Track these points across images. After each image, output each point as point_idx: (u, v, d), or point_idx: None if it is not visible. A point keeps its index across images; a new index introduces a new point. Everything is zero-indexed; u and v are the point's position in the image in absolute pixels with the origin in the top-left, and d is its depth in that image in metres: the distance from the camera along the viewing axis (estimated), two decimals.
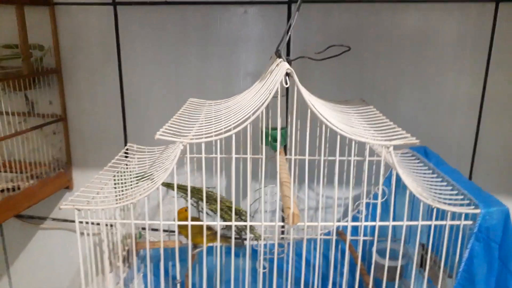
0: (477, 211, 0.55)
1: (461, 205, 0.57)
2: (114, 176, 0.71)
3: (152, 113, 1.03)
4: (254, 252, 0.87)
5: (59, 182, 1.07)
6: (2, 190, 0.93)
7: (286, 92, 0.70)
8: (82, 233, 1.19)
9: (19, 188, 0.95)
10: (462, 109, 0.91)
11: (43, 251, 1.20)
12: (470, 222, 0.56)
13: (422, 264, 0.71)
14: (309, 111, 0.55)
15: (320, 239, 0.66)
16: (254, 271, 0.83)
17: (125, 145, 1.05)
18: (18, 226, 1.19)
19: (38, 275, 1.23)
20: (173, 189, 0.81)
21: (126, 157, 0.80)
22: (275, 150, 0.80)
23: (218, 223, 0.61)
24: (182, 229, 0.72)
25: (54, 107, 1.05)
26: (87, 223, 0.59)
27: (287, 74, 0.58)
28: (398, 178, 0.56)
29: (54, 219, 1.16)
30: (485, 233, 0.56)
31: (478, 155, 0.93)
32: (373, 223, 0.59)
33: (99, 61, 1.02)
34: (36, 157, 1.03)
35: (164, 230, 0.85)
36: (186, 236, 0.72)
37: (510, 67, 0.87)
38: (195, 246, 0.80)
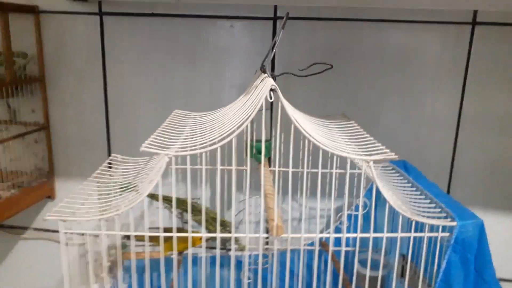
0: (454, 223, 0.58)
1: (439, 217, 0.59)
2: (98, 186, 0.71)
3: (137, 123, 1.03)
4: (239, 263, 0.88)
5: (41, 191, 1.06)
6: None
7: (271, 106, 0.72)
8: (65, 243, 1.18)
9: (0, 197, 0.94)
10: (441, 125, 0.95)
11: (24, 261, 1.18)
12: (447, 234, 0.59)
13: (402, 274, 0.73)
14: (292, 125, 0.57)
15: (304, 250, 0.67)
16: (238, 282, 0.84)
17: (109, 155, 1.04)
18: None
19: (19, 286, 1.21)
20: (157, 200, 0.82)
21: (110, 167, 0.81)
22: (259, 162, 0.81)
23: (203, 235, 0.62)
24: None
25: (37, 116, 1.05)
26: (71, 234, 0.59)
27: (272, 90, 0.59)
28: (379, 191, 0.58)
29: (35, 229, 1.14)
30: (461, 245, 0.58)
31: (455, 170, 0.97)
32: (354, 235, 0.61)
33: (83, 70, 1.02)
34: (17, 166, 1.02)
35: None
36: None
37: (485, 87, 0.91)
38: (180, 254, 0.81)
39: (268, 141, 0.86)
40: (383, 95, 0.95)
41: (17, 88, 0.99)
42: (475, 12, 0.88)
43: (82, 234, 0.61)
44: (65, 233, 0.58)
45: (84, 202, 0.64)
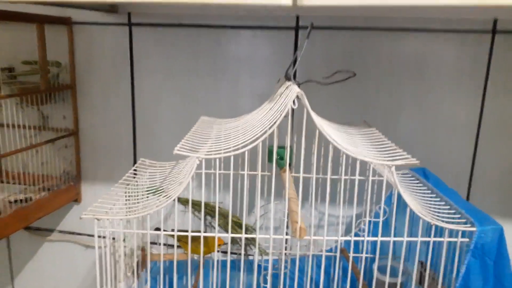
0: (473, 229, 0.59)
1: (458, 223, 0.61)
2: (126, 190, 0.74)
3: (162, 130, 1.07)
4: (258, 268, 0.90)
5: (69, 195, 1.10)
6: (16, 201, 0.96)
7: (292, 113, 0.75)
8: (88, 246, 1.21)
9: (31, 200, 0.98)
10: (460, 133, 0.96)
11: (48, 263, 1.22)
12: (466, 240, 0.60)
13: (421, 281, 0.74)
14: (317, 131, 0.59)
15: (323, 255, 0.69)
16: (258, 286, 0.86)
17: (135, 161, 1.08)
18: (25, 237, 1.21)
19: (43, 286, 1.25)
20: (183, 203, 0.85)
21: (138, 171, 0.84)
22: (281, 167, 0.83)
23: (229, 235, 0.65)
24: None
25: (67, 122, 1.09)
26: (104, 237, 0.62)
27: (297, 97, 0.62)
28: (398, 198, 0.60)
29: (61, 232, 1.18)
30: (480, 250, 0.59)
31: (475, 177, 0.97)
32: (375, 238, 0.63)
33: (112, 79, 1.07)
34: (47, 170, 1.07)
35: (167, 244, 0.88)
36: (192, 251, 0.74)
37: (505, 94, 0.92)
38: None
39: (290, 148, 0.88)
40: (401, 103, 0.96)
41: (50, 95, 1.04)
42: (495, 21, 0.89)
43: (104, 237, 0.64)
44: (99, 236, 0.61)
45: (114, 204, 0.68)
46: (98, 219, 0.61)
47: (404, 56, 0.94)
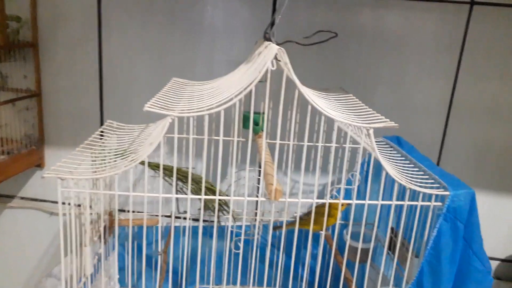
0: (446, 193, 0.59)
1: (432, 187, 0.61)
2: (92, 152, 0.70)
3: (131, 93, 1.03)
4: (230, 234, 0.89)
5: (30, 159, 1.05)
6: None
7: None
8: (52, 212, 1.16)
9: None
10: (433, 107, 0.97)
11: (10, 231, 1.17)
12: (439, 203, 0.61)
13: (390, 247, 0.75)
14: (296, 92, 0.57)
15: (297, 217, 0.68)
16: (230, 252, 0.85)
17: (101, 124, 1.03)
18: None
19: (4, 255, 1.20)
20: (153, 168, 0.82)
21: (104, 134, 0.80)
22: (256, 133, 0.81)
23: (202, 197, 0.63)
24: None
25: (29, 82, 1.03)
26: (67, 203, 0.58)
27: (275, 58, 0.59)
28: (374, 162, 0.59)
29: (22, 198, 1.13)
30: (452, 214, 0.60)
31: (444, 152, 0.99)
32: (349, 201, 0.62)
33: (78, 37, 1.01)
34: (7, 133, 1.01)
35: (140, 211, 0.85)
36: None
37: (478, 70, 0.93)
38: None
39: (263, 114, 0.86)
40: (378, 73, 0.96)
41: (10, 52, 0.97)
42: None
43: (78, 206, 0.61)
44: (63, 203, 0.57)
45: (80, 164, 0.64)
46: (62, 179, 0.57)
47: (384, 26, 0.93)
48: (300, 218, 0.67)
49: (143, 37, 0.99)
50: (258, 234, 0.87)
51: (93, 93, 1.03)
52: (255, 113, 0.82)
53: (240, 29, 0.97)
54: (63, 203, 0.59)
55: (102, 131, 0.79)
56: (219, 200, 0.82)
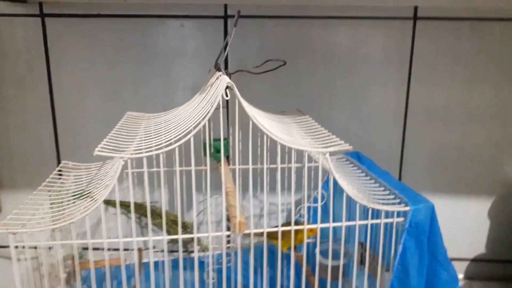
0: (407, 208, 0.60)
1: (393, 203, 0.62)
2: (50, 195, 0.67)
3: (87, 128, 1.00)
4: (201, 264, 0.87)
5: None
6: None
7: (226, 104, 0.72)
8: (10, 259, 1.11)
9: None
10: (389, 117, 0.99)
11: None
12: (401, 219, 0.61)
13: (362, 261, 0.75)
14: (250, 122, 0.57)
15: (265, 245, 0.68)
16: (202, 283, 0.83)
17: (58, 163, 1.00)
18: None
19: None
20: (113, 206, 0.79)
21: (61, 175, 0.77)
22: (218, 161, 0.81)
23: (164, 237, 0.61)
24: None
25: None
26: (23, 247, 0.56)
27: (228, 87, 0.59)
28: (335, 182, 0.60)
29: None
30: (415, 228, 0.61)
31: (405, 159, 1.01)
32: (314, 226, 0.62)
33: (27, 75, 0.97)
34: None
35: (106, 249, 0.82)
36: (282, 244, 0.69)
37: (429, 78, 0.96)
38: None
39: (226, 140, 0.86)
40: (333, 90, 0.97)
41: None
42: (416, 8, 0.92)
43: (35, 248, 0.58)
44: (16, 246, 0.55)
45: (35, 213, 0.61)
46: (13, 233, 0.54)
47: (335, 44, 0.95)
48: (268, 233, 0.67)
49: (94, 71, 0.97)
50: (229, 262, 0.86)
51: (47, 131, 1.00)
52: (215, 140, 0.82)
53: (194, 54, 0.96)
54: (18, 259, 0.56)
55: (59, 172, 0.76)
56: (186, 232, 0.80)
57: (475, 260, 1.06)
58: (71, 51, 0.96)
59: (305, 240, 0.65)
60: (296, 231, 0.64)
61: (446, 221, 1.03)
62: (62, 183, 0.73)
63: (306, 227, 0.63)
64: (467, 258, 1.06)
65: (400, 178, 1.02)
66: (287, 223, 0.71)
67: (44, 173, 0.75)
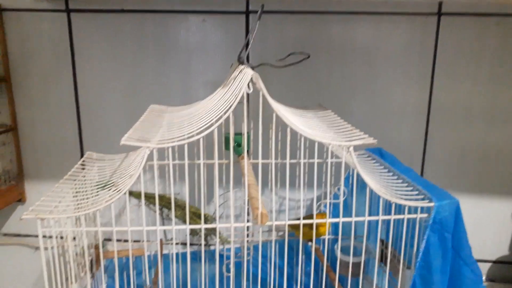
0: (431, 204, 0.60)
1: (417, 199, 0.61)
2: (75, 185, 0.69)
3: (110, 121, 1.01)
4: (220, 257, 0.88)
5: (11, 195, 1.02)
6: None
7: (247, 98, 0.72)
8: (36, 247, 1.14)
9: None
10: (412, 113, 0.98)
11: None
12: (425, 215, 0.61)
13: (382, 259, 0.75)
14: (274, 115, 0.57)
15: (286, 239, 0.68)
16: (221, 275, 0.84)
17: (82, 155, 1.02)
18: None
19: None
20: (135, 197, 0.81)
21: (85, 165, 0.79)
22: (239, 154, 0.81)
23: (187, 226, 0.62)
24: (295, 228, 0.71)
25: (3, 117, 1.00)
26: (50, 236, 0.57)
27: (250, 80, 0.59)
28: (357, 178, 0.59)
29: (5, 235, 1.10)
30: (439, 224, 0.60)
31: (427, 157, 1.00)
32: (336, 220, 0.62)
33: (52, 69, 0.99)
34: None
35: (126, 240, 0.83)
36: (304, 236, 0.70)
37: (452, 75, 0.95)
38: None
39: (247, 134, 0.86)
40: (354, 86, 0.97)
41: None
42: (440, 3, 0.91)
43: (61, 237, 0.59)
44: (44, 236, 0.56)
45: (60, 201, 0.63)
46: (42, 219, 0.56)
47: (355, 39, 0.94)
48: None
49: (117, 65, 0.98)
50: (248, 255, 0.86)
51: (71, 124, 1.02)
52: (237, 134, 0.82)
53: (215, 49, 0.97)
54: (46, 242, 0.57)
55: (83, 163, 0.78)
56: (208, 223, 0.81)
57: (497, 262, 1.04)
58: (95, 45, 0.97)
59: (327, 235, 0.65)
60: (317, 225, 0.64)
61: (467, 221, 1.00)
62: (86, 173, 0.75)
63: (328, 220, 0.62)
64: (489, 259, 1.04)
65: (422, 175, 1.00)
66: (309, 216, 0.71)
67: (68, 164, 0.77)
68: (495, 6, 0.90)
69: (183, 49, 0.97)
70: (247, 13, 0.94)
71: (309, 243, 0.74)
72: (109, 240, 0.93)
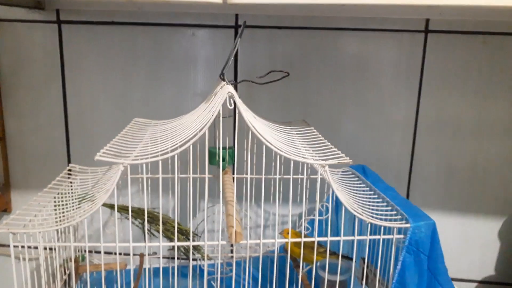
0: (407, 225, 0.59)
1: (394, 220, 0.61)
2: (55, 197, 0.69)
3: (98, 133, 1.01)
4: (202, 272, 0.87)
5: None
6: None
7: (234, 113, 0.73)
8: (18, 258, 1.13)
9: None
10: (399, 130, 0.97)
11: None
12: (401, 236, 0.60)
13: (363, 277, 0.74)
14: (250, 132, 0.57)
15: (266, 256, 0.68)
16: None
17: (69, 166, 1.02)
18: None
19: None
20: (119, 211, 0.81)
21: (69, 178, 0.79)
22: (223, 169, 0.81)
23: (160, 244, 0.61)
24: (295, 248, 0.70)
25: None
26: (22, 247, 0.57)
27: (230, 97, 0.59)
28: (336, 196, 0.59)
29: None
30: (415, 246, 0.59)
31: (414, 173, 0.99)
32: (311, 239, 0.62)
33: (42, 80, 1.00)
34: None
35: (109, 252, 0.83)
36: (299, 256, 0.69)
37: (440, 92, 0.95)
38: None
39: (231, 148, 0.86)
40: (342, 102, 0.97)
41: None
42: (427, 21, 0.91)
43: (35, 247, 0.59)
44: (16, 246, 0.56)
45: (37, 214, 0.62)
46: (13, 233, 0.55)
47: (344, 55, 0.95)
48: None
49: (106, 76, 0.99)
50: (230, 272, 0.85)
51: (59, 135, 1.02)
52: (222, 148, 0.82)
53: (204, 63, 0.97)
54: (18, 258, 0.57)
55: (66, 175, 0.78)
56: (187, 239, 0.80)
57: (483, 282, 1.03)
58: (85, 57, 0.98)
59: (315, 256, 0.64)
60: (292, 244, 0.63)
61: (454, 240, 1.01)
62: (67, 185, 0.75)
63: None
64: (475, 280, 1.03)
65: (408, 193, 1.00)
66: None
67: (55, 175, 0.77)
68: (482, 25, 0.90)
69: (173, 62, 0.97)
70: (236, 27, 0.95)
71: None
72: (98, 252, 0.93)
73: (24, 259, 0.58)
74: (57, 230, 0.63)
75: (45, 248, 0.60)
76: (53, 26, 0.97)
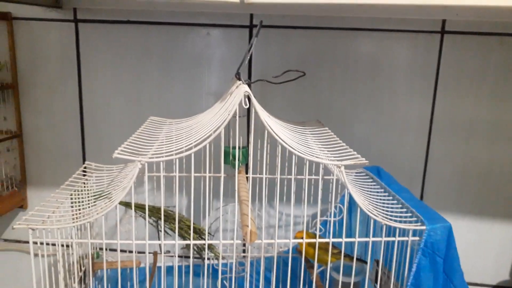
0: (423, 227, 0.59)
1: (409, 222, 0.61)
2: (71, 194, 0.70)
3: (112, 131, 1.02)
4: (215, 271, 0.87)
5: (13, 201, 1.03)
6: None
7: (248, 112, 0.73)
8: (36, 254, 1.15)
9: None
10: (413, 131, 0.97)
11: None
12: (417, 238, 0.60)
13: (376, 279, 0.74)
14: (266, 131, 0.58)
15: (279, 256, 0.68)
16: None
17: (84, 163, 1.03)
18: None
19: None
20: (131, 208, 0.81)
21: (84, 175, 0.80)
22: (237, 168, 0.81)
23: (176, 242, 0.62)
24: (309, 248, 0.70)
25: (9, 124, 1.02)
26: (41, 243, 0.58)
27: (246, 96, 0.60)
28: (351, 197, 0.59)
29: (6, 240, 1.11)
30: (430, 248, 0.59)
31: (428, 174, 0.98)
32: (326, 240, 0.62)
33: (58, 78, 1.01)
34: None
35: (123, 251, 0.83)
36: (312, 257, 0.69)
37: (455, 93, 0.94)
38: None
39: (245, 148, 0.86)
40: (357, 102, 0.96)
41: None
42: (444, 22, 0.90)
43: (53, 245, 0.60)
44: (35, 242, 0.57)
45: (55, 210, 0.63)
46: (32, 229, 0.56)
47: (358, 55, 0.94)
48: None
49: (121, 75, 0.99)
50: (243, 272, 0.86)
51: (74, 132, 1.03)
52: (234, 148, 0.82)
53: (218, 62, 0.98)
54: (36, 255, 0.58)
55: (81, 173, 0.79)
56: (201, 238, 0.81)
57: (498, 287, 1.02)
58: (101, 55, 0.99)
59: (329, 257, 0.64)
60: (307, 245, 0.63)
61: (468, 243, 1.00)
62: (84, 183, 0.76)
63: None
64: (489, 284, 1.02)
65: (422, 194, 0.99)
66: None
67: (70, 172, 0.78)
68: (499, 26, 0.89)
69: (187, 61, 0.98)
70: (250, 27, 0.95)
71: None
72: (112, 250, 0.93)
73: (42, 255, 0.59)
74: (74, 227, 0.63)
75: (61, 245, 0.61)
76: (70, 25, 0.98)
